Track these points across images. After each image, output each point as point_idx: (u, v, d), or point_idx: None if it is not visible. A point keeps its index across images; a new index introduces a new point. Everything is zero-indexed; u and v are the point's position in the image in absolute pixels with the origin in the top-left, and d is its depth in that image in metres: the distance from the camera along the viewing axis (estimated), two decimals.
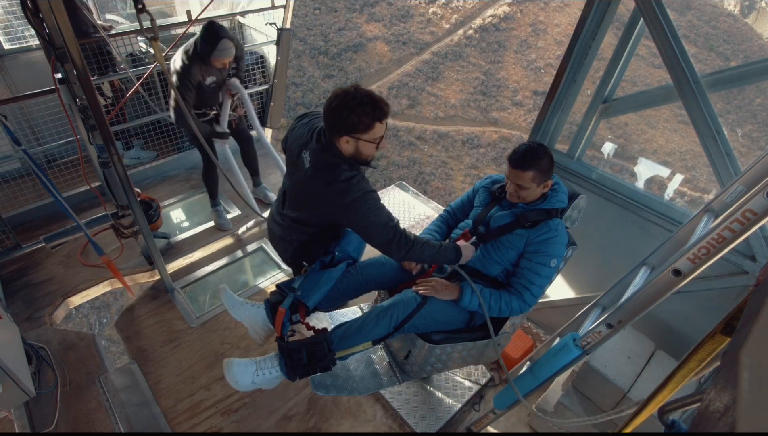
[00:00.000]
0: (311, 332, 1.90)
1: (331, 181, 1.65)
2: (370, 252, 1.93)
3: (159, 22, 4.17)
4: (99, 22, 3.93)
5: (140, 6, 2.16)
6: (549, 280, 1.88)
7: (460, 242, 1.91)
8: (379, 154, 1.81)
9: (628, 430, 1.58)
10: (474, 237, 1.97)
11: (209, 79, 3.07)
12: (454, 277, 1.98)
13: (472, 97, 22.17)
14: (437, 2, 24.89)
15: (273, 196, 3.73)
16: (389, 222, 1.68)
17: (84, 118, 2.34)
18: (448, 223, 2.18)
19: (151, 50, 3.82)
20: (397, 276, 2.08)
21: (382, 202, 1.69)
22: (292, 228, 1.93)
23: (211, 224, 3.60)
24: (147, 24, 2.25)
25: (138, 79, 3.35)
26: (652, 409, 1.51)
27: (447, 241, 2.07)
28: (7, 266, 3.14)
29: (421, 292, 1.86)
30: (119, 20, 4.82)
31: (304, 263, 1.99)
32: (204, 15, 3.45)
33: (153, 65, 3.58)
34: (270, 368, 1.78)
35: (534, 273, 1.84)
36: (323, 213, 1.82)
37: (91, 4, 3.87)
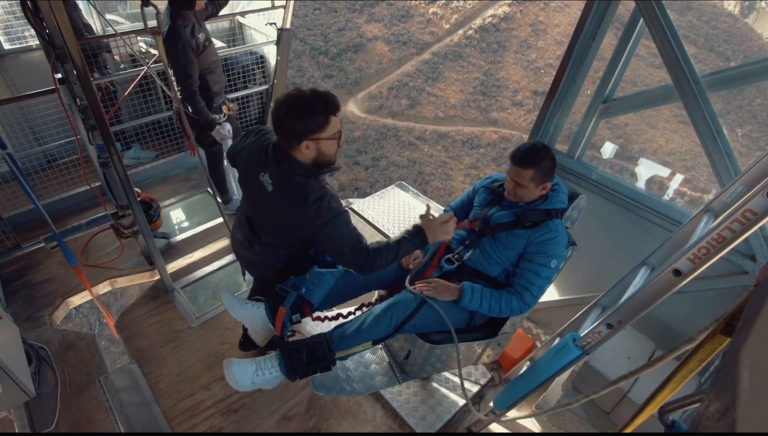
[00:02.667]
0: (326, 322, 1.91)
1: (301, 204, 1.59)
2: None
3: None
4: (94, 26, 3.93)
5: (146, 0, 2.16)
6: (549, 280, 1.88)
7: (424, 222, 1.75)
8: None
9: (628, 430, 1.59)
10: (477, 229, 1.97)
11: (201, 36, 2.96)
12: (454, 277, 1.98)
13: (472, 98, 22.19)
14: (437, 2, 24.91)
15: None
16: (357, 244, 1.64)
17: (84, 118, 2.34)
18: None
19: (152, 50, 3.83)
20: (396, 276, 2.08)
21: (351, 222, 1.66)
22: (269, 253, 1.88)
23: (211, 224, 3.61)
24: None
25: (136, 79, 3.34)
26: (652, 409, 1.51)
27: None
28: (7, 266, 3.14)
29: (420, 290, 1.86)
30: (119, 20, 4.81)
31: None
32: None
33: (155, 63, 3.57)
34: (270, 368, 1.77)
35: (534, 274, 1.84)
36: (298, 234, 1.76)
37: (81, 5, 3.86)
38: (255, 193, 1.75)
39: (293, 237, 1.81)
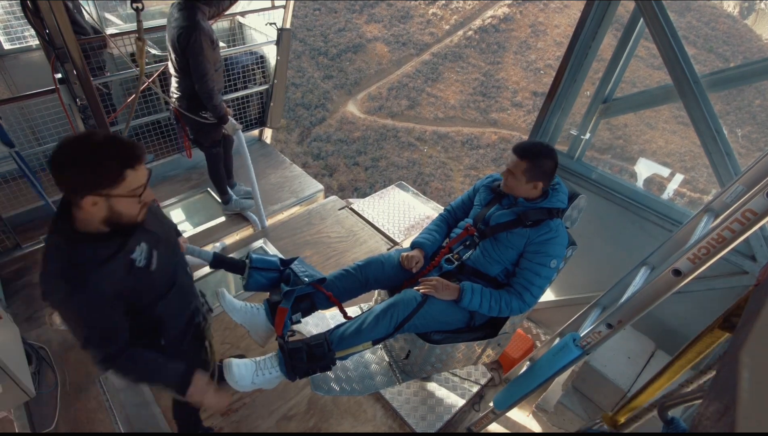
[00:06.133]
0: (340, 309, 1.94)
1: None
2: (369, 252, 1.93)
3: (158, 22, 4.16)
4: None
5: (135, 5, 2.17)
6: (549, 280, 1.89)
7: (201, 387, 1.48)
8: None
9: (621, 417, 1.59)
10: (476, 233, 1.98)
11: (213, 33, 2.93)
12: (454, 276, 1.98)
13: (471, 98, 22.21)
14: (437, 3, 24.93)
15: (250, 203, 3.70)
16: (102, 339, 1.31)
17: (84, 118, 2.35)
18: (448, 222, 2.19)
19: (152, 50, 3.83)
20: (396, 276, 2.08)
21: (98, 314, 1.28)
22: None
23: (211, 224, 3.62)
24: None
25: (138, 80, 3.33)
26: (650, 395, 1.52)
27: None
28: (7, 266, 3.14)
29: (421, 290, 1.86)
30: (118, 21, 4.80)
31: None
32: None
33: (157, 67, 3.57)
34: (270, 369, 1.77)
35: (534, 274, 1.84)
36: None
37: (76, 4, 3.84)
38: None
39: None
